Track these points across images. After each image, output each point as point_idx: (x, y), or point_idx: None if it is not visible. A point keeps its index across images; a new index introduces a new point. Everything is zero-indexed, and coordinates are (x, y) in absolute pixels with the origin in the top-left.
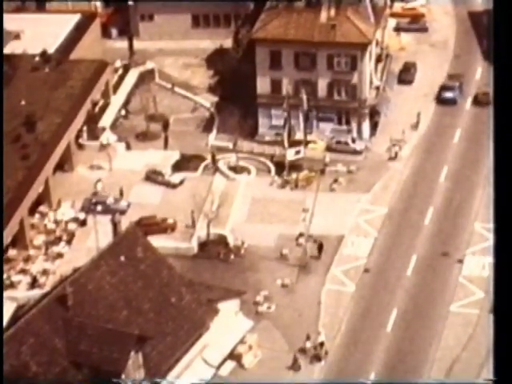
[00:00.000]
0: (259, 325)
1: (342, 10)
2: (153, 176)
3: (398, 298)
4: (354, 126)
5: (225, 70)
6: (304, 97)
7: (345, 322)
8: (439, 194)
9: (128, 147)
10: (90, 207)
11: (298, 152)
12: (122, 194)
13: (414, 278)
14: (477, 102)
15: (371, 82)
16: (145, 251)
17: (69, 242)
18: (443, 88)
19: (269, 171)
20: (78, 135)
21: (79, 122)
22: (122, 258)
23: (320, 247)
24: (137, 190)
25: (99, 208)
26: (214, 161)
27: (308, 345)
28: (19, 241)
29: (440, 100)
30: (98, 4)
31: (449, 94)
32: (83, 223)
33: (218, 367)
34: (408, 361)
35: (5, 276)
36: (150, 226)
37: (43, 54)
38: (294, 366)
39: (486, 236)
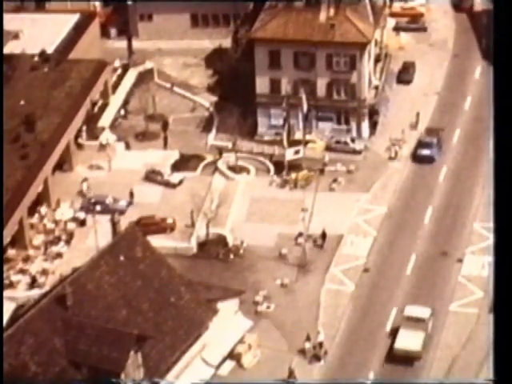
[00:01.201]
0: (258, 324)
1: (341, 9)
2: (152, 176)
3: (397, 297)
4: (353, 125)
5: (224, 69)
6: (303, 96)
7: (344, 322)
8: (438, 193)
9: (127, 147)
10: (89, 207)
11: (297, 152)
12: (132, 195)
13: (413, 278)
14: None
15: (370, 82)
16: (144, 251)
17: (68, 241)
18: (420, 145)
19: (268, 171)
20: (78, 135)
21: (78, 121)
22: (122, 258)
23: (323, 236)
24: (136, 189)
25: (98, 208)
26: (221, 154)
27: (307, 345)
28: (18, 241)
29: (416, 158)
30: (97, 4)
31: (426, 152)
32: (82, 223)
33: (218, 367)
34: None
35: (4, 276)
36: (149, 225)
37: (42, 53)
38: (289, 378)
39: (485, 235)
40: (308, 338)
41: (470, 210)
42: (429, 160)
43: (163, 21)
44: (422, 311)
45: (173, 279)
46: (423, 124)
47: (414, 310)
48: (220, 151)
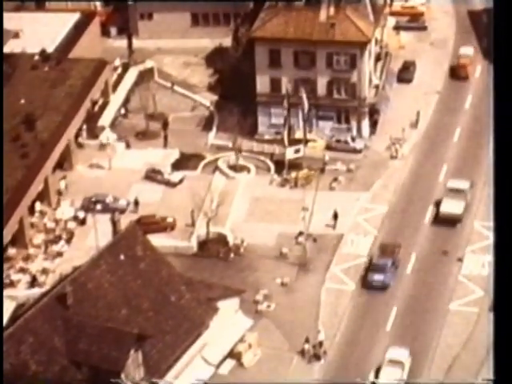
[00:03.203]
0: (259, 323)
1: (342, 8)
2: (152, 175)
3: (397, 296)
4: (353, 124)
5: (224, 68)
6: (303, 95)
7: (344, 321)
8: (439, 192)
9: (127, 146)
10: (89, 206)
11: (297, 151)
12: (137, 203)
13: (413, 277)
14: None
15: (370, 81)
16: (144, 250)
17: (68, 240)
18: (371, 268)
19: (268, 170)
20: (78, 134)
21: (79, 120)
22: (122, 257)
23: (335, 216)
24: (136, 188)
25: (99, 207)
26: (240, 152)
27: (306, 346)
28: (19, 239)
29: (366, 284)
30: (98, 3)
31: (378, 277)
32: (83, 222)
33: (218, 366)
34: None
35: (4, 275)
36: (150, 224)
37: (42, 52)
38: None
39: (485, 234)
40: (307, 340)
41: (471, 209)
42: (381, 287)
43: (163, 20)
44: (462, 183)
45: (173, 278)
46: (423, 123)
47: (455, 182)
48: (239, 149)
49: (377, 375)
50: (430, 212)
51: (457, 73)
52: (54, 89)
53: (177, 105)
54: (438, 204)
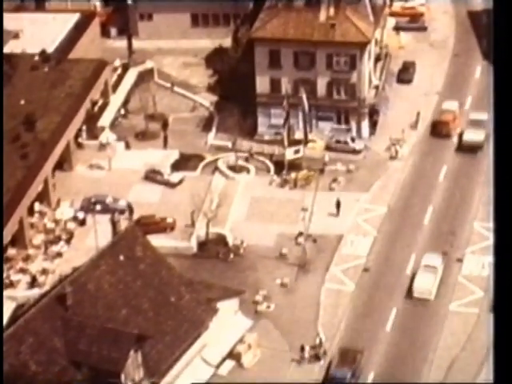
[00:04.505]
0: (258, 324)
1: (342, 9)
2: (152, 175)
3: (397, 297)
4: (353, 125)
5: (224, 69)
6: (303, 96)
7: (344, 322)
8: (438, 193)
9: (127, 146)
10: (89, 206)
11: (297, 151)
12: (131, 211)
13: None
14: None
15: (370, 82)
16: (144, 250)
17: (68, 241)
18: (328, 381)
19: (268, 170)
20: (78, 134)
21: (78, 121)
22: (122, 258)
23: (338, 205)
24: (136, 189)
25: (98, 207)
26: (252, 155)
27: (302, 354)
28: (18, 240)
29: None
30: (98, 3)
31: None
32: (82, 222)
33: (218, 366)
34: (407, 360)
35: (4, 275)
36: (149, 225)
37: (42, 53)
38: None
39: (485, 235)
40: (302, 349)
41: (470, 210)
42: None
43: (163, 20)
44: (482, 115)
45: (173, 279)
46: (423, 124)
47: (476, 114)
48: (250, 152)
49: (412, 281)
50: (429, 213)
51: (438, 130)
52: (54, 89)
53: (176, 105)
54: (461, 135)
